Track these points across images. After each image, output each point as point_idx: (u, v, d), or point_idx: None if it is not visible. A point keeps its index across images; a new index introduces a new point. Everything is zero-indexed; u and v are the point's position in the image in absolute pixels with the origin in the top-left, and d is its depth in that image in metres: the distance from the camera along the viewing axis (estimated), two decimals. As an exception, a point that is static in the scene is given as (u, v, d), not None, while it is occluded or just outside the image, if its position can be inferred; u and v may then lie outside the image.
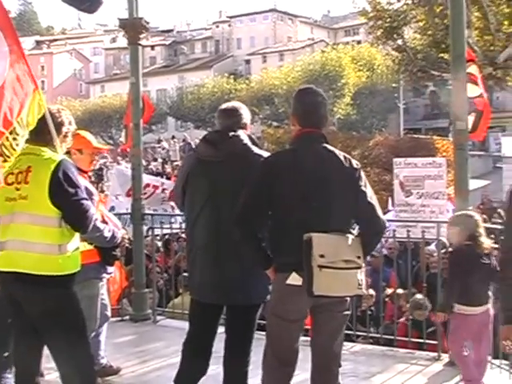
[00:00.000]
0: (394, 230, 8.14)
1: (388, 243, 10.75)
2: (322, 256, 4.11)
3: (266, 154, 4.79)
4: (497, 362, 6.39)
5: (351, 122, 52.78)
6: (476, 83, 7.30)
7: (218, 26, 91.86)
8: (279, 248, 4.37)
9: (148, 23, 9.17)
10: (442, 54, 22.16)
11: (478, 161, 29.70)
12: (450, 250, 6.56)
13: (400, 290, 9.10)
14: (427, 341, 7.45)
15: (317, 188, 4.30)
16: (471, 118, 7.03)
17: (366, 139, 27.12)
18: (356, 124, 52.62)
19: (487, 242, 5.84)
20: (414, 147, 24.32)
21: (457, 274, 6.00)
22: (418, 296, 8.16)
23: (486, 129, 7.70)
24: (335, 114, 51.15)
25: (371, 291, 9.61)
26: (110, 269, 6.15)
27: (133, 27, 9.01)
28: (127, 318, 8.93)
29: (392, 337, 7.85)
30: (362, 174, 4.53)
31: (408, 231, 7.61)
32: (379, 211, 4.50)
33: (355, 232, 4.51)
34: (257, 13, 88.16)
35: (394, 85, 47.85)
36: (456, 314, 6.01)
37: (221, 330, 4.99)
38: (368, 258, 10.71)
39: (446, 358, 7.00)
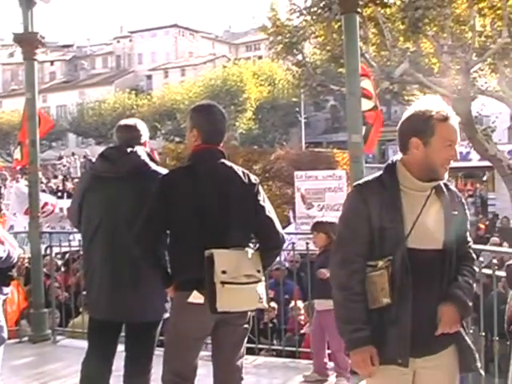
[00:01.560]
0: (294, 243, 8.23)
1: (289, 256, 10.86)
2: (224, 272, 4.11)
3: (163, 171, 4.78)
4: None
5: (253, 136, 53.15)
6: (368, 97, 7.49)
7: (118, 41, 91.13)
8: (179, 266, 4.34)
9: (44, 38, 9.01)
10: (340, 69, 22.54)
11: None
12: (319, 253, 6.92)
13: (300, 303, 9.21)
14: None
15: (215, 204, 4.30)
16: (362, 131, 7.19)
17: (268, 153, 27.27)
18: (258, 138, 53.02)
19: None
20: (315, 160, 24.63)
21: None
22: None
23: (376, 141, 7.90)
24: (237, 128, 51.43)
25: (273, 304, 9.71)
26: (5, 289, 5.97)
27: (28, 42, 8.84)
28: (26, 339, 8.70)
29: (294, 348, 7.94)
30: (261, 189, 4.57)
31: (307, 243, 7.71)
32: (278, 226, 4.53)
33: (253, 246, 4.54)
34: (158, 28, 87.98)
35: (294, 99, 48.45)
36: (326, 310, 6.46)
37: (121, 348, 4.93)
38: (272, 270, 10.87)
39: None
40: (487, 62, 21.78)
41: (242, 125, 52.61)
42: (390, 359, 3.40)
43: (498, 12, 20.09)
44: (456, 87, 20.38)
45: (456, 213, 3.56)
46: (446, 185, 3.65)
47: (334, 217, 10.48)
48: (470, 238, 3.74)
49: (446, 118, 3.47)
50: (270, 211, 4.52)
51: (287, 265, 11.26)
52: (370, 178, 3.65)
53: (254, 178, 4.54)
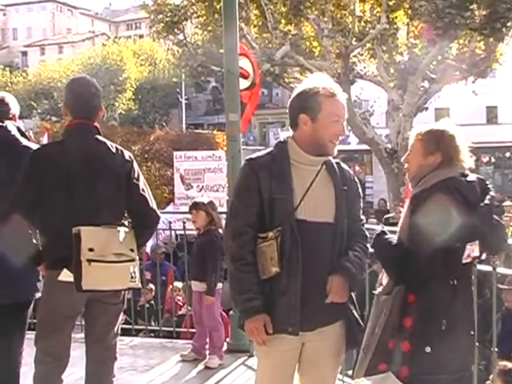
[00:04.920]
0: (170, 222, 8.24)
1: (164, 237, 10.87)
2: (91, 250, 4.07)
3: (35, 147, 4.68)
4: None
5: (133, 117, 52.55)
6: (245, 77, 7.56)
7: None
8: (50, 243, 4.28)
9: None
10: (222, 50, 22.54)
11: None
12: (199, 233, 7.06)
13: (179, 283, 9.25)
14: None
15: (86, 180, 4.25)
16: None
17: (147, 134, 27.14)
18: (138, 119, 52.48)
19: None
20: (195, 141, 24.71)
21: (218, 256, 6.66)
22: None
23: (249, 120, 7.99)
24: (116, 109, 50.77)
25: (151, 285, 9.73)
26: None
27: None
28: None
29: (171, 329, 8.00)
30: (135, 166, 4.53)
31: (184, 222, 7.74)
32: (152, 204, 4.51)
33: (129, 224, 4.52)
34: (34, 2, 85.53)
35: (175, 80, 48.18)
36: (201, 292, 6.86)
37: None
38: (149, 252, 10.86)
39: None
40: (366, 47, 22.35)
41: (121, 105, 51.94)
42: (281, 328, 3.52)
43: (378, -2, 20.67)
44: (336, 71, 20.80)
45: (346, 188, 3.70)
46: (338, 163, 3.78)
47: (215, 198, 10.60)
48: (362, 217, 3.89)
49: (332, 94, 3.59)
50: (144, 189, 4.50)
51: (163, 247, 11.26)
52: (261, 152, 3.76)
53: (128, 155, 4.51)
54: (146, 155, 23.71)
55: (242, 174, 3.75)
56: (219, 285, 6.91)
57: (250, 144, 42.62)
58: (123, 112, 52.18)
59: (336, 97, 3.60)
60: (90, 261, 4.06)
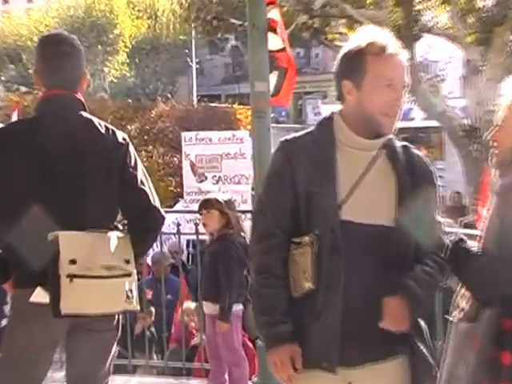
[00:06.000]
0: (179, 225, 8.22)
1: (170, 245, 10.85)
2: (73, 262, 4.04)
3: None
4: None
5: (128, 86, 52.62)
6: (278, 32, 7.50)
7: None
8: (19, 254, 4.18)
9: None
10: (243, -3, 22.43)
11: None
12: (213, 239, 7.02)
13: (191, 304, 9.25)
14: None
15: (66, 169, 4.25)
16: (273, 78, 7.21)
17: (147, 109, 27.22)
18: (135, 89, 52.53)
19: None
20: (210, 119, 24.75)
21: (234, 268, 6.73)
22: None
23: (292, 92, 7.93)
24: (106, 76, 50.90)
25: (151, 308, 9.72)
26: None
27: None
28: None
29: (180, 364, 8.00)
30: (132, 150, 4.54)
31: (196, 224, 7.73)
32: (155, 200, 4.50)
33: (123, 227, 4.52)
34: None
35: (183, 37, 48.24)
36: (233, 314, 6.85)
37: None
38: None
39: None
40: (436, -11, 22.17)
41: (112, 71, 52.05)
42: (313, 361, 3.46)
43: None
44: (395, 23, 20.67)
45: (415, 180, 3.61)
46: (405, 147, 3.72)
47: (235, 192, 10.54)
48: (439, 218, 3.77)
49: (382, 51, 3.51)
50: (144, 181, 4.50)
51: (169, 257, 11.29)
52: (300, 133, 3.71)
53: (121, 137, 4.51)
54: (145, 137, 23.80)
55: (274, 160, 3.73)
56: (238, 306, 6.89)
57: (282, 121, 42.46)
58: (115, 80, 52.29)
59: (387, 54, 3.51)
60: (71, 276, 4.03)
